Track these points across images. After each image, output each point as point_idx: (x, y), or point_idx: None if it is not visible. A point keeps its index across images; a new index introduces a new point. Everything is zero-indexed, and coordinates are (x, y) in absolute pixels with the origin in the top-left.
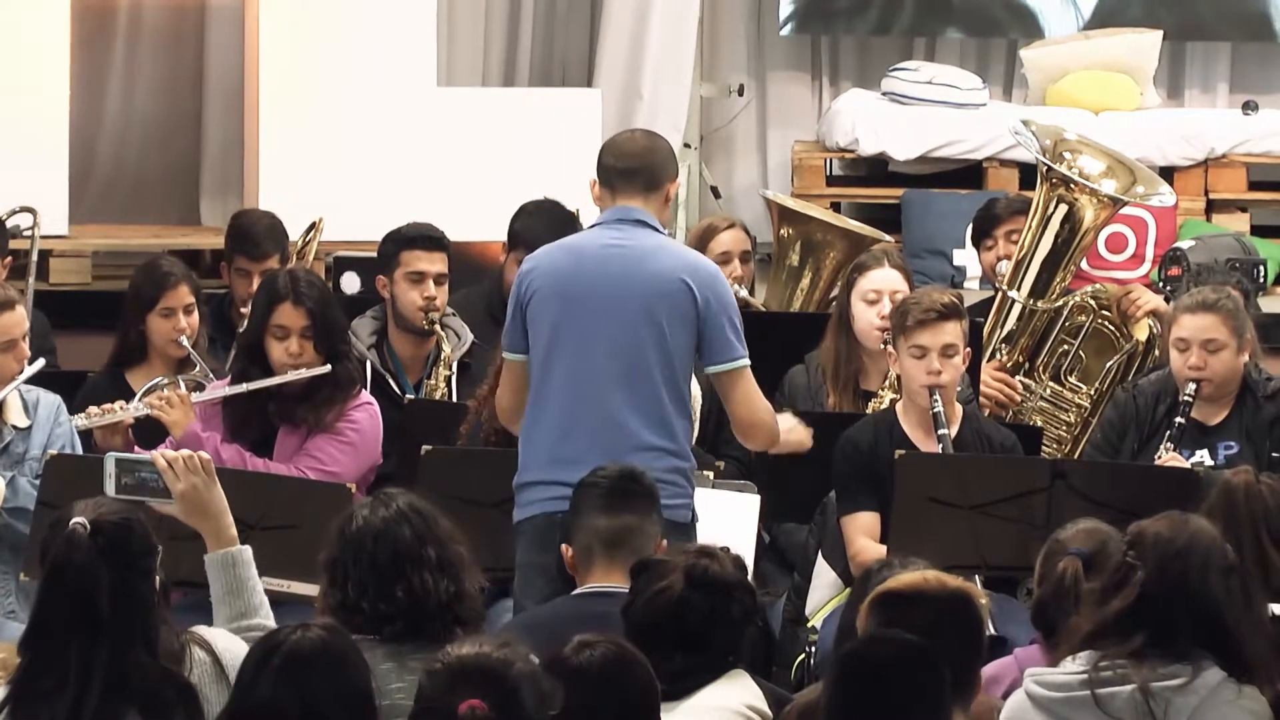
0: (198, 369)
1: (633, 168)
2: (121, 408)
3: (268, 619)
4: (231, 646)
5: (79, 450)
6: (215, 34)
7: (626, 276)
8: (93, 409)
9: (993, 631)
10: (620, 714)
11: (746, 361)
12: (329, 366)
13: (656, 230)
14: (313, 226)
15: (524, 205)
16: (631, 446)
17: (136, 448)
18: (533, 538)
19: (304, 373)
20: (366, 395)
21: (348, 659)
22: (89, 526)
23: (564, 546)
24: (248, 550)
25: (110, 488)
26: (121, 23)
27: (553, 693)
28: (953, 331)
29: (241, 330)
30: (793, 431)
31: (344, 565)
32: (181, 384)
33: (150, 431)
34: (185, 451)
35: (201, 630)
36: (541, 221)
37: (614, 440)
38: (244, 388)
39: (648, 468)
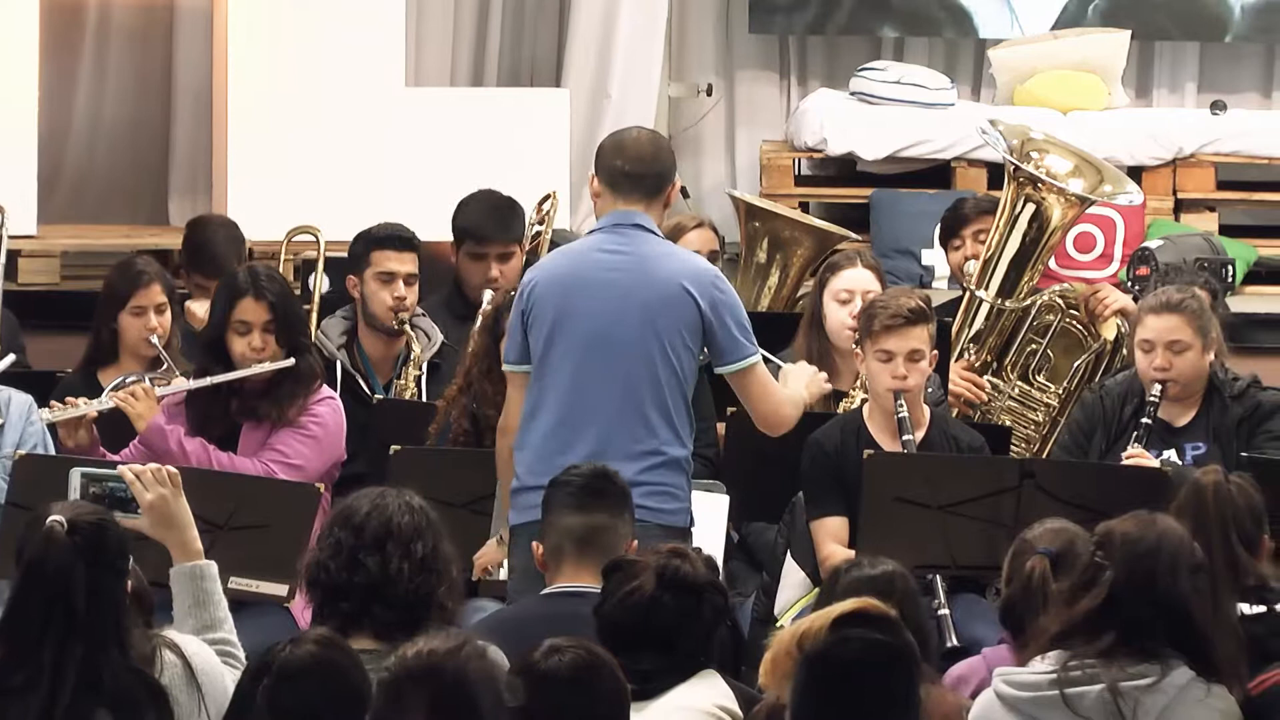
0: (166, 368)
1: (641, 173)
2: (86, 402)
3: (231, 633)
4: (201, 651)
5: (51, 449)
6: (184, 34)
7: (628, 284)
8: (56, 403)
9: (954, 642)
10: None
11: (758, 357)
12: (292, 360)
13: (655, 234)
14: (308, 231)
15: (461, 200)
16: (634, 453)
17: (102, 448)
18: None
19: (268, 366)
20: (328, 390)
21: (340, 672)
22: (66, 525)
23: (534, 544)
24: (213, 565)
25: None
26: (90, 23)
27: (513, 692)
28: (919, 337)
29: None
30: (812, 383)
31: (332, 526)
32: (149, 381)
33: (116, 427)
34: (153, 465)
35: (171, 634)
36: (480, 209)
37: (616, 446)
38: (208, 381)
39: (649, 473)
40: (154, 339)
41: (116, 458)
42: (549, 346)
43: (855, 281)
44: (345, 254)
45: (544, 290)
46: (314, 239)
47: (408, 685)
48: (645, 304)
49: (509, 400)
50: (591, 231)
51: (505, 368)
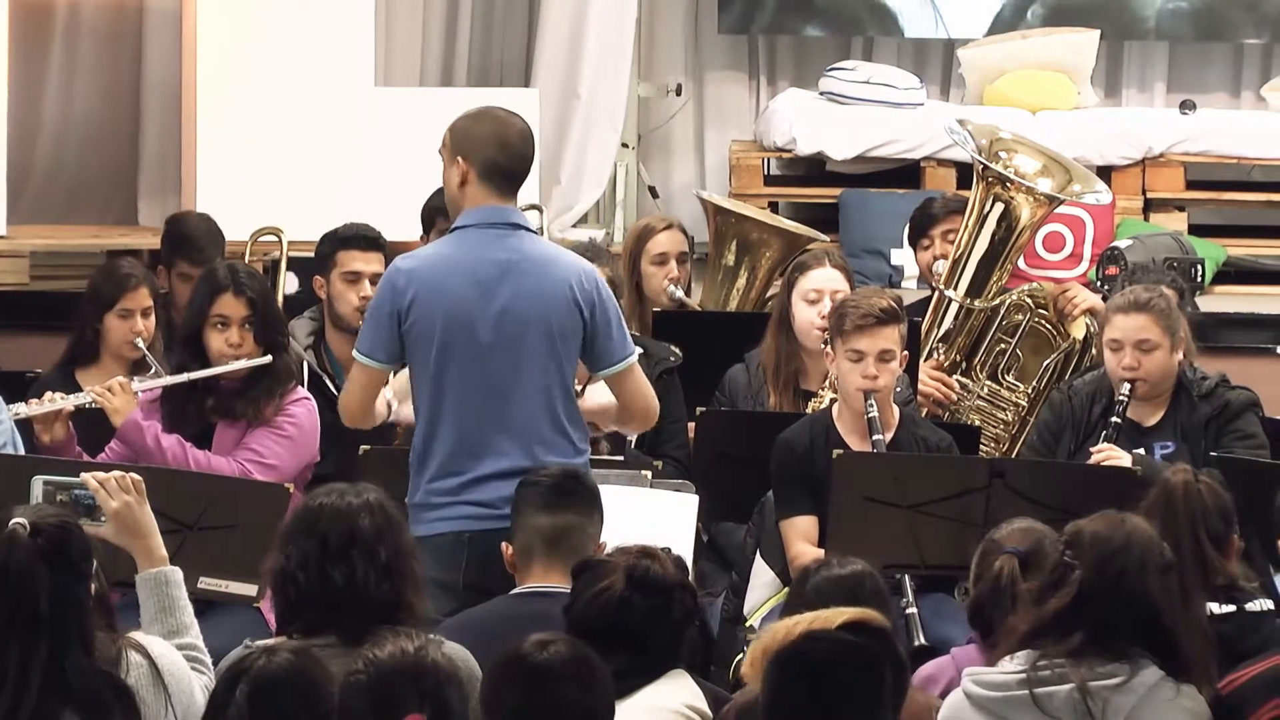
0: (152, 371)
1: (521, 171)
2: (63, 397)
3: (198, 639)
4: (167, 653)
5: (20, 447)
6: (153, 35)
7: (522, 293)
8: (33, 399)
9: (921, 641)
10: (586, 710)
11: (636, 353)
12: (269, 358)
13: (532, 231)
14: (272, 232)
15: (436, 190)
16: (538, 460)
17: (78, 448)
18: (442, 554)
19: (244, 363)
20: (303, 391)
21: (314, 682)
22: (29, 528)
23: (504, 545)
24: (179, 571)
25: None
26: (59, 23)
27: (470, 689)
28: (890, 337)
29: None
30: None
31: (295, 534)
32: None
33: (93, 430)
34: (117, 472)
35: (137, 636)
36: None
37: (516, 465)
38: (185, 377)
39: None
40: (139, 342)
41: (95, 460)
42: (442, 362)
43: (824, 281)
44: (313, 254)
45: (429, 299)
46: (277, 239)
47: (397, 682)
48: (540, 312)
49: (359, 388)
50: (458, 228)
51: (363, 359)
